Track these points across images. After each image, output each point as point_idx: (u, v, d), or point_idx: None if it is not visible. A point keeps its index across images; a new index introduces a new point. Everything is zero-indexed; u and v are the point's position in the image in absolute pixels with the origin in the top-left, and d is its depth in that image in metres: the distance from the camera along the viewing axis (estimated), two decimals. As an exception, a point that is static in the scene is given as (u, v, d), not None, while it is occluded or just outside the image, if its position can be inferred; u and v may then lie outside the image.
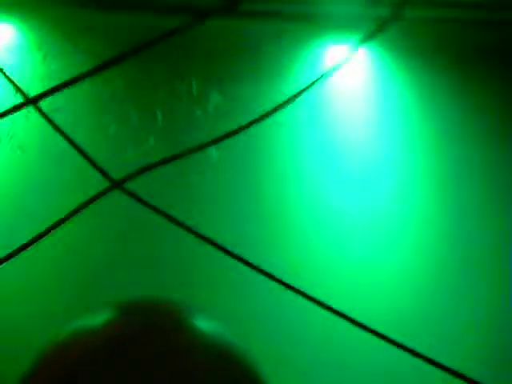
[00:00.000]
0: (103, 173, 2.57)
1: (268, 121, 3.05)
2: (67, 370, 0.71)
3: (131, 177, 2.58)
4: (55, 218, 2.80)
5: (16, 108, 1.76)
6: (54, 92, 1.62)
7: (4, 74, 2.52)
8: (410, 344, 2.20)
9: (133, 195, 2.62)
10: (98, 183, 2.75)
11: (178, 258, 3.43)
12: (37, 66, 4.03)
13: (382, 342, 2.34)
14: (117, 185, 2.62)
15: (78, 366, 0.70)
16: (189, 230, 2.77)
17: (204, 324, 0.75)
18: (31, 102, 1.76)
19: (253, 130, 2.86)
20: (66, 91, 3.51)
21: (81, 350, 0.72)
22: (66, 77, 4.11)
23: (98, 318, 0.77)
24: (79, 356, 0.71)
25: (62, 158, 3.11)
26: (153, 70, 3.79)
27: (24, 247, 2.78)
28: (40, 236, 2.86)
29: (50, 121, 2.27)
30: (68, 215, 2.84)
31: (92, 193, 2.76)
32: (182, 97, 3.92)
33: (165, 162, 2.48)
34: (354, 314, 2.11)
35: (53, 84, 4.00)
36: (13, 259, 2.92)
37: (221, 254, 2.66)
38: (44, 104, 2.76)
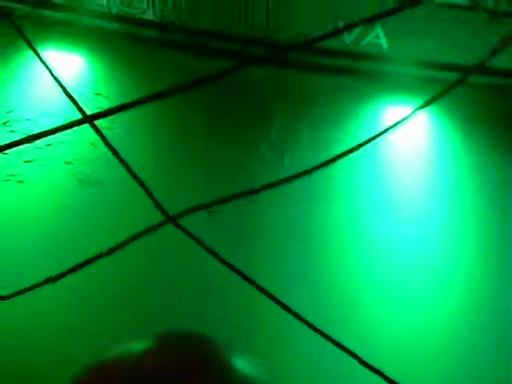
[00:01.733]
0: (159, 207, 2.66)
1: (324, 172, 3.12)
2: None
3: (186, 213, 2.67)
4: (108, 245, 2.90)
5: (73, 124, 1.86)
6: (110, 114, 1.71)
7: (65, 90, 2.65)
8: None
9: (185, 231, 2.70)
10: (151, 213, 2.86)
11: (221, 296, 3.49)
12: (100, 93, 4.20)
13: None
14: (171, 220, 2.72)
15: None
16: (235, 270, 2.83)
17: (241, 364, 0.80)
18: (88, 120, 1.86)
19: (307, 180, 2.93)
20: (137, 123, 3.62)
21: (118, 375, 0.77)
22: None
23: (139, 346, 0.80)
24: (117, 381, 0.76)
25: (122, 186, 3.23)
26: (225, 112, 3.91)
27: (77, 268, 2.88)
28: (93, 259, 2.96)
29: (111, 148, 2.38)
30: (122, 244, 2.93)
31: (145, 221, 2.86)
32: (241, 143, 4.02)
33: (220, 201, 2.56)
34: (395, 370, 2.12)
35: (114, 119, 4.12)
36: (64, 279, 3.03)
37: (266, 300, 2.71)
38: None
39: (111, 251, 2.87)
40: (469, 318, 4.00)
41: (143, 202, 2.81)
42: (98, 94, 4.23)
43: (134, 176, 2.56)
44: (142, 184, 2.90)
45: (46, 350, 3.33)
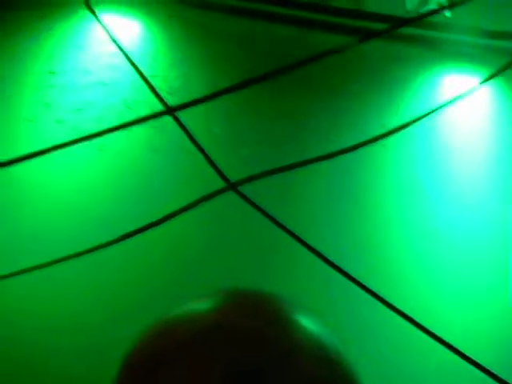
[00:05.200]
0: (221, 174, 2.74)
1: (379, 142, 3.13)
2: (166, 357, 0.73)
3: (247, 181, 2.74)
4: (171, 209, 3.00)
5: (155, 116, 1.91)
6: (192, 105, 1.77)
7: (146, 81, 2.71)
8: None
9: (245, 198, 2.78)
10: (213, 181, 2.93)
11: (279, 261, 3.55)
12: (160, 62, 4.22)
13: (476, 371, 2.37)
14: (232, 186, 2.79)
15: (180, 350, 0.73)
16: (292, 235, 2.90)
17: (308, 322, 0.76)
18: (170, 111, 1.92)
19: (363, 149, 2.96)
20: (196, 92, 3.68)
21: (186, 333, 0.74)
22: (188, 75, 4.25)
23: (206, 304, 0.77)
24: (182, 340, 0.73)
25: (186, 155, 3.30)
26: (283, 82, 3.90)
27: (140, 231, 2.98)
28: (156, 223, 3.07)
29: (183, 127, 2.45)
30: (183, 208, 3.03)
31: (207, 190, 2.94)
32: (303, 110, 4.03)
33: (281, 170, 2.61)
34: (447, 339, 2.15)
35: (176, 85, 4.13)
36: (127, 241, 3.14)
37: (320, 262, 2.77)
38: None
39: (171, 216, 2.96)
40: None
41: (204, 169, 2.88)
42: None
43: (198, 145, 2.63)
44: (202, 151, 2.97)
45: (109, 308, 3.45)
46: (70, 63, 4.17)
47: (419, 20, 3.71)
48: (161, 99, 2.47)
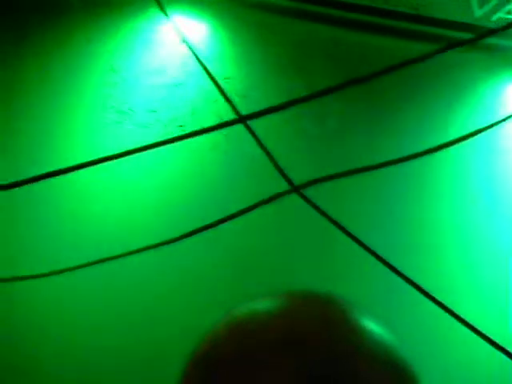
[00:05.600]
0: (286, 177, 2.83)
1: (439, 152, 3.16)
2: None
3: (310, 184, 2.83)
4: (237, 210, 3.10)
5: (227, 124, 2.01)
6: (264, 114, 1.86)
7: (217, 85, 2.82)
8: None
9: (309, 201, 2.87)
10: (277, 184, 3.02)
11: (340, 262, 3.61)
12: (226, 64, 4.30)
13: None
14: (296, 189, 2.88)
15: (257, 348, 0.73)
16: (353, 237, 2.97)
17: (371, 324, 0.77)
18: (242, 120, 2.02)
19: (423, 158, 3.00)
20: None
21: (250, 335, 0.75)
22: (255, 79, 4.33)
23: (269, 306, 0.78)
24: (245, 342, 0.74)
25: (253, 158, 3.39)
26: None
27: (203, 229, 3.10)
28: (221, 222, 3.19)
29: (253, 134, 2.54)
30: (248, 208, 3.13)
31: (272, 192, 3.04)
32: (363, 113, 4.07)
33: (343, 174, 2.69)
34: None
35: (242, 88, 4.22)
36: (190, 239, 3.26)
37: (380, 265, 2.83)
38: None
39: (234, 217, 3.07)
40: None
41: (269, 172, 2.97)
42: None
43: (265, 150, 2.73)
44: (268, 153, 3.06)
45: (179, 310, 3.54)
46: (138, 62, 4.29)
47: (507, 30, 3.67)
48: (232, 106, 2.58)
